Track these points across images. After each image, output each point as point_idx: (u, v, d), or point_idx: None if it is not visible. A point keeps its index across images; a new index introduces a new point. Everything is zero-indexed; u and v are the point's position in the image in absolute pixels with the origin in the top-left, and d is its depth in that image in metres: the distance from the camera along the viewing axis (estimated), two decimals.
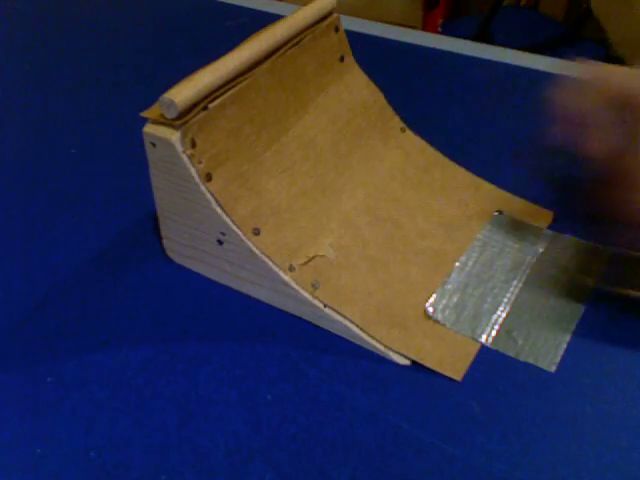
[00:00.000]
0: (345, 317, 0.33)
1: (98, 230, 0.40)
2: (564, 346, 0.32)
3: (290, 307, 0.34)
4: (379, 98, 0.43)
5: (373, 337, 0.32)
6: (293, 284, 0.33)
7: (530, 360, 0.32)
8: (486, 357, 0.32)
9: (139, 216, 0.41)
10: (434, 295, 0.35)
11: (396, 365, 0.32)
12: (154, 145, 0.32)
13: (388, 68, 0.57)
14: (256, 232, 0.33)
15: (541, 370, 0.31)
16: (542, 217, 0.40)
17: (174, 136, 0.31)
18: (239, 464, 0.28)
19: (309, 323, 0.34)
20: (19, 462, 0.28)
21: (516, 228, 0.39)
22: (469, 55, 0.59)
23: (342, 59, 0.42)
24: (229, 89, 0.34)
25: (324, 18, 0.40)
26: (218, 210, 0.33)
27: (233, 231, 0.33)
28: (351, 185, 0.39)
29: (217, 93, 0.33)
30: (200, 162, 0.32)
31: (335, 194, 0.38)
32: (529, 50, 0.59)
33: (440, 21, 1.44)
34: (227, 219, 0.33)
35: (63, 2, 0.72)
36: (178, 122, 0.31)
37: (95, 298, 0.36)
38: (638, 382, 0.31)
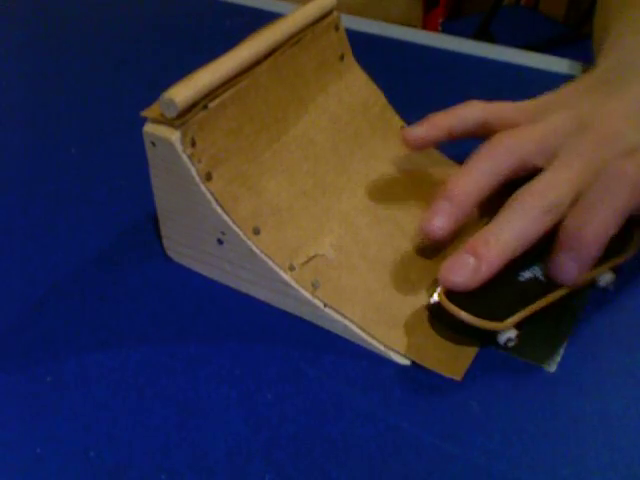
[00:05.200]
0: (345, 317, 0.33)
1: (98, 230, 0.40)
2: (564, 346, 0.32)
3: (290, 307, 0.34)
4: (379, 97, 0.43)
5: (373, 337, 0.32)
6: (293, 284, 0.33)
7: (530, 360, 0.32)
8: (486, 357, 0.32)
9: (139, 216, 0.41)
10: (434, 295, 0.35)
11: (396, 365, 0.32)
12: (154, 144, 0.32)
13: (388, 67, 0.57)
14: (256, 232, 0.33)
15: (541, 370, 0.31)
16: None
17: (174, 135, 0.31)
18: (239, 464, 0.28)
19: (309, 323, 0.34)
20: (19, 462, 0.28)
21: None
22: (469, 54, 0.59)
23: (342, 58, 0.42)
24: (229, 88, 0.34)
25: (324, 17, 0.40)
26: (218, 210, 0.33)
27: (233, 231, 0.33)
28: (351, 185, 0.39)
29: (217, 92, 0.33)
30: (200, 161, 0.32)
31: (335, 194, 0.38)
32: (529, 49, 0.59)
33: (440, 20, 1.44)
34: (227, 219, 0.33)
35: (63, 1, 0.72)
36: (178, 121, 0.31)
37: (95, 298, 0.36)
38: (638, 382, 0.31)
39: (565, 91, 0.39)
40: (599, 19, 0.53)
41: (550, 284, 0.32)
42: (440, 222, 0.33)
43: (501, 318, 0.31)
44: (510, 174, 0.34)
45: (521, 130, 0.35)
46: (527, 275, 0.33)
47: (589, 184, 0.32)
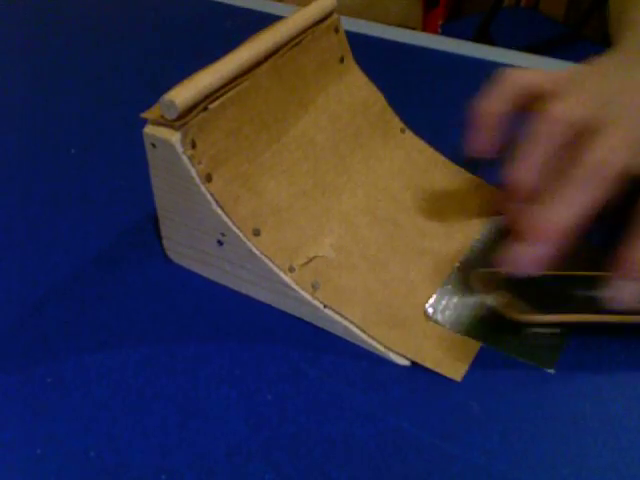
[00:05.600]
0: (345, 317, 0.33)
1: (98, 230, 0.40)
2: (564, 346, 0.32)
3: (290, 307, 0.34)
4: (379, 99, 0.43)
5: (373, 337, 0.32)
6: (293, 285, 0.33)
7: (530, 360, 0.32)
8: (486, 357, 0.32)
9: (139, 216, 0.41)
10: (434, 295, 0.35)
11: (396, 365, 0.32)
12: (154, 146, 0.32)
13: (388, 69, 0.57)
14: (256, 232, 0.33)
15: (541, 370, 0.31)
16: None
17: (174, 137, 0.31)
18: (239, 464, 0.28)
19: (309, 323, 0.34)
20: (19, 462, 0.28)
21: None
22: (469, 56, 0.59)
23: (342, 60, 0.42)
24: (229, 90, 0.34)
25: (324, 19, 0.40)
26: (218, 210, 0.33)
27: (233, 231, 0.33)
28: (351, 185, 0.39)
29: (217, 94, 0.33)
30: (200, 163, 0.32)
31: (335, 194, 0.38)
32: (529, 50, 0.59)
33: (440, 22, 1.44)
34: (227, 219, 0.33)
35: (63, 2, 0.72)
36: (178, 123, 0.31)
37: (95, 298, 0.36)
38: (638, 382, 0.31)
39: (598, 62, 0.38)
40: (615, 6, 0.53)
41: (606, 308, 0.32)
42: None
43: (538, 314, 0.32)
44: (565, 146, 0.34)
45: (568, 101, 0.35)
46: (592, 293, 0.33)
47: None
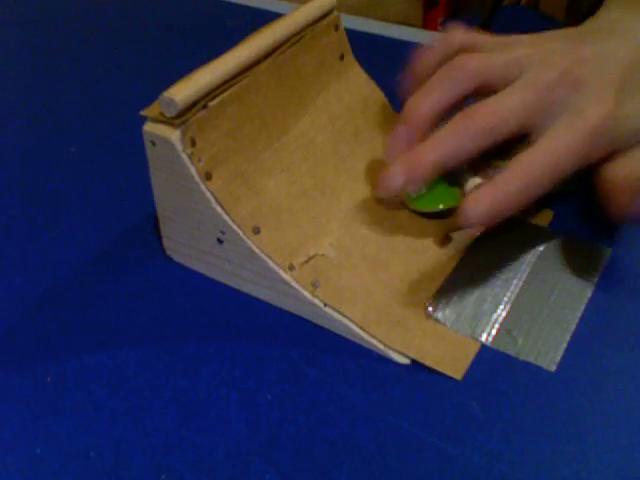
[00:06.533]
0: (345, 316, 0.33)
1: (98, 230, 0.40)
2: (564, 345, 0.32)
3: (290, 306, 0.34)
4: (379, 97, 0.43)
5: (373, 336, 0.32)
6: (293, 283, 0.33)
7: (530, 359, 0.32)
8: (486, 356, 0.32)
9: (139, 216, 0.41)
10: (434, 294, 0.35)
11: (396, 365, 0.32)
12: (154, 144, 0.32)
13: (388, 67, 0.57)
14: (256, 231, 0.33)
15: (541, 369, 0.31)
16: (542, 216, 0.40)
17: (174, 135, 0.31)
18: (239, 464, 0.28)
19: (309, 322, 0.34)
20: (19, 462, 0.28)
21: (516, 227, 0.39)
22: None
23: (342, 58, 0.42)
24: (229, 88, 0.34)
25: (324, 17, 0.40)
26: (218, 209, 0.33)
27: (233, 230, 0.33)
28: (351, 184, 0.39)
29: (217, 92, 0.33)
30: (200, 161, 0.32)
31: (335, 193, 0.38)
32: None
33: (440, 20, 1.44)
34: (227, 218, 0.33)
35: (63, 2, 0.72)
36: (178, 121, 0.31)
37: (95, 298, 0.36)
38: (638, 382, 0.31)
39: (544, 34, 0.40)
40: None
41: None
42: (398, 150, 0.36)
43: None
44: (469, 94, 0.36)
45: (489, 55, 0.37)
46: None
47: (537, 117, 0.34)
